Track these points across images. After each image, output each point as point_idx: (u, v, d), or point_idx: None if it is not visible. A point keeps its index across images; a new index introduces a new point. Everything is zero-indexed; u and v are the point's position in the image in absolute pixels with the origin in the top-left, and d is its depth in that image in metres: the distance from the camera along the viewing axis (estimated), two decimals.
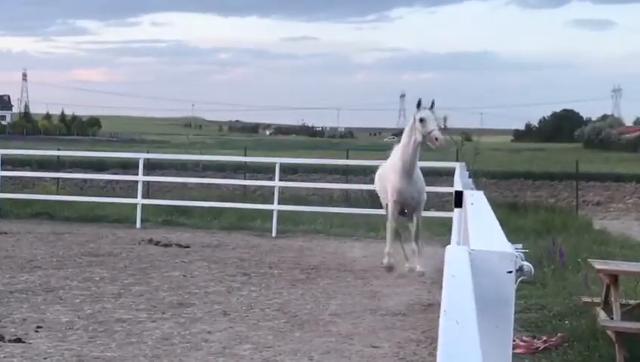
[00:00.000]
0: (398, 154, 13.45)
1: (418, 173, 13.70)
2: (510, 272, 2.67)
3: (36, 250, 15.12)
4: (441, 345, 1.58)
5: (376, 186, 14.70)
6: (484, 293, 2.52)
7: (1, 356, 8.13)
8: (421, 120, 12.93)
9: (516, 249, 2.95)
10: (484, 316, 2.45)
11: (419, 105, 13.09)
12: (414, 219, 13.70)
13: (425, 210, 17.85)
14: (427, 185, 19.24)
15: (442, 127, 28.00)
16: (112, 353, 8.29)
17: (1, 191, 20.51)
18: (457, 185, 9.90)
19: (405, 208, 13.66)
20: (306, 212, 19.61)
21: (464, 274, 2.34)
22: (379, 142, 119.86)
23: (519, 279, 2.79)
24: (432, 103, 13.13)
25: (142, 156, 21.20)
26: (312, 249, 16.17)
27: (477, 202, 5.53)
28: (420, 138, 12.97)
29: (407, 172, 13.28)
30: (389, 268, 13.31)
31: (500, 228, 3.76)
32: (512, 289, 2.71)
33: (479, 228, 3.77)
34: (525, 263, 2.87)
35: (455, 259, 2.55)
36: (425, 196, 14.08)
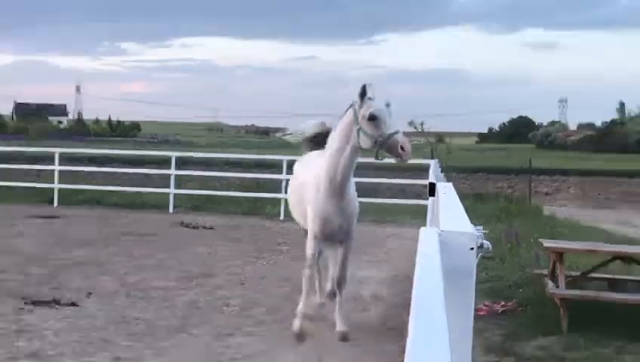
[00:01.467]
0: (324, 163, 6.94)
1: (351, 192, 7.19)
2: (472, 249, 2.69)
3: (87, 231, 15.13)
4: (413, 308, 1.60)
5: (289, 198, 8.25)
6: (451, 266, 2.54)
7: (59, 316, 8.16)
8: (372, 117, 6.50)
9: (478, 230, 2.97)
10: (451, 285, 2.48)
11: (363, 93, 6.61)
12: (341, 249, 7.42)
13: (406, 198, 17.77)
14: (405, 178, 19.12)
15: (419, 130, 27.98)
16: (149, 315, 8.32)
17: (60, 183, 20.50)
18: (431, 178, 9.91)
19: (330, 239, 7.31)
20: None
21: (434, 251, 2.36)
22: None
23: (480, 254, 2.81)
24: (388, 104, 6.66)
25: (174, 154, 21.17)
26: None
27: (447, 192, 5.54)
28: (366, 144, 6.58)
29: (338, 191, 6.93)
30: (301, 337, 7.31)
31: (464, 213, 3.78)
32: (474, 263, 2.73)
33: (448, 213, 3.78)
34: (485, 241, 2.88)
35: (427, 238, 2.57)
36: (356, 219, 7.39)
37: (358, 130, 6.62)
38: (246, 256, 12.57)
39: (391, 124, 6.48)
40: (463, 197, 6.15)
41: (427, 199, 11.37)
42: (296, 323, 7.41)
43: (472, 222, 3.32)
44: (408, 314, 1.66)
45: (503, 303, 9.06)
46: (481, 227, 3.22)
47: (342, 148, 6.82)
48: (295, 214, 7.99)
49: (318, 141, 7.64)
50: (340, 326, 7.33)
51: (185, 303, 8.91)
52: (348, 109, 6.78)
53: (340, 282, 7.50)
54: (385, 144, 6.46)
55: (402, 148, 6.38)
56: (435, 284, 1.87)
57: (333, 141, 6.94)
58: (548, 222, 17.76)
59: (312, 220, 7.16)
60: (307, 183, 7.29)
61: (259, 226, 16.83)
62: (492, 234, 12.48)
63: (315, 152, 7.64)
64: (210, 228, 16.09)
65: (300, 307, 7.49)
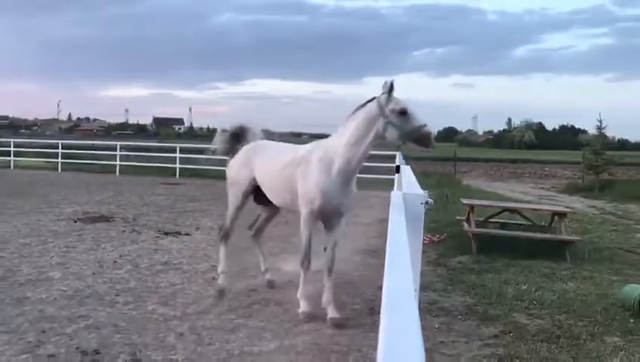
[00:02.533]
0: (342, 150, 4.51)
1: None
2: (422, 204, 2.66)
3: (196, 192, 15.16)
4: (389, 238, 1.59)
5: (266, 184, 5.21)
6: (410, 213, 2.52)
7: (179, 241, 8.21)
8: (403, 112, 4.30)
9: (425, 193, 2.95)
10: (410, 225, 2.47)
11: (391, 89, 4.37)
12: (333, 232, 4.96)
13: (380, 174, 17.59)
14: (381, 163, 18.91)
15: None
16: (233, 240, 8.24)
17: (180, 164, 20.55)
18: (397, 162, 9.81)
19: (330, 218, 4.84)
20: None
21: (400, 205, 2.34)
22: None
23: (426, 208, 2.79)
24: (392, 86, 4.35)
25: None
26: None
27: (407, 171, 5.49)
28: (393, 135, 4.34)
29: (351, 176, 4.64)
30: (307, 316, 4.79)
31: (417, 183, 3.74)
32: (423, 212, 2.71)
33: (408, 183, 3.75)
34: (430, 199, 2.86)
35: (396, 197, 2.55)
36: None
37: (387, 122, 4.38)
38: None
39: (420, 118, 4.38)
40: (415, 173, 6.11)
41: (394, 175, 11.34)
42: (303, 305, 4.85)
43: (422, 188, 3.30)
44: (385, 242, 1.65)
45: (438, 235, 9.03)
46: (427, 191, 3.20)
47: (363, 137, 4.50)
48: (274, 196, 5.16)
49: (237, 138, 5.71)
50: (331, 313, 4.71)
51: (252, 234, 8.89)
52: (368, 103, 4.55)
53: (331, 265, 4.88)
54: (415, 135, 4.31)
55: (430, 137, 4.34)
56: (401, 223, 1.86)
57: (355, 130, 4.51)
58: (466, 189, 17.62)
59: (320, 201, 4.59)
60: (308, 167, 4.65)
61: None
62: (433, 196, 12.38)
63: (271, 142, 5.42)
64: None
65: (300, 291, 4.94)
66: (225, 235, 5.82)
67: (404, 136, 4.39)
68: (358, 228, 9.83)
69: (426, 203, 2.77)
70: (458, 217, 10.00)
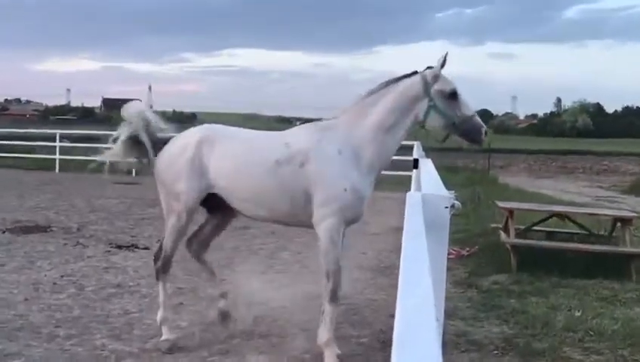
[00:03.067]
0: (370, 139, 4.28)
1: None
2: (446, 208, 2.67)
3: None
4: (403, 252, 1.59)
5: (184, 180, 4.88)
6: (431, 221, 2.52)
7: (137, 257, 8.22)
8: (453, 94, 4.14)
9: (450, 194, 2.95)
10: (431, 235, 2.47)
11: (444, 63, 4.13)
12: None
13: (395, 170, 17.71)
14: (396, 155, 19.02)
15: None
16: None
17: None
18: (415, 155, 9.83)
19: (355, 220, 4.58)
20: None
21: (418, 209, 2.34)
22: None
23: (452, 212, 2.79)
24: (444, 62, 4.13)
25: None
26: None
27: (427, 165, 5.51)
28: (438, 122, 4.23)
29: (380, 171, 4.54)
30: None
31: (440, 181, 3.75)
32: (448, 219, 2.71)
33: (428, 181, 3.76)
34: (456, 202, 2.86)
35: (413, 200, 2.55)
36: None
37: (431, 106, 4.15)
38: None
39: (471, 106, 4.18)
40: (438, 169, 6.12)
41: (411, 170, 11.35)
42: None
43: (446, 188, 3.30)
44: (399, 257, 1.65)
45: (468, 249, 9.06)
46: (453, 191, 3.19)
47: (399, 122, 4.25)
48: (255, 208, 4.64)
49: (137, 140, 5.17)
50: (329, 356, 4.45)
51: (229, 248, 8.93)
52: (406, 77, 4.22)
53: (335, 288, 4.71)
54: (464, 127, 4.18)
55: (485, 132, 4.21)
56: (419, 234, 1.86)
57: (389, 112, 4.22)
58: (502, 188, 17.68)
59: (355, 205, 4.36)
60: (325, 164, 4.25)
61: None
62: (460, 197, 12.45)
63: (230, 128, 4.92)
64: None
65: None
66: (164, 267, 5.10)
67: (450, 126, 4.12)
68: (365, 238, 9.85)
69: (452, 206, 2.77)
70: (493, 225, 10.03)
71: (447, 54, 4.11)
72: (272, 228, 10.73)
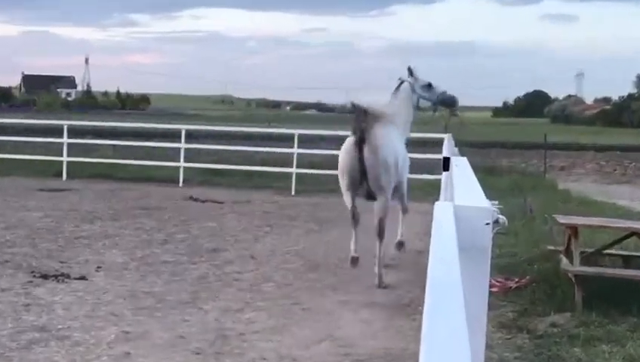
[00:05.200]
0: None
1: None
2: (487, 224, 2.66)
3: (96, 205, 15.18)
4: (429, 285, 1.58)
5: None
6: (466, 242, 2.52)
7: (68, 290, 8.21)
8: (429, 85, 10.05)
9: (493, 205, 2.94)
10: (466, 261, 2.45)
11: (410, 72, 10.02)
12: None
13: (418, 173, 17.77)
14: (420, 153, 19.23)
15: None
16: (158, 288, 8.36)
17: (68, 156, 20.55)
18: (445, 152, 9.85)
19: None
20: (320, 174, 19.55)
21: (449, 226, 2.33)
22: None
23: (495, 230, 2.79)
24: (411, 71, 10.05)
25: (184, 127, 21.27)
26: (325, 205, 16.14)
27: (461, 166, 5.51)
28: (427, 104, 10.12)
29: None
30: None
31: (479, 187, 3.75)
32: (489, 239, 2.71)
33: (462, 187, 3.76)
34: (500, 216, 2.86)
35: (442, 213, 2.55)
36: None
37: (419, 96, 9.95)
38: (256, 230, 12.58)
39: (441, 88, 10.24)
40: (476, 171, 6.13)
41: (440, 174, 11.33)
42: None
43: (486, 197, 3.30)
44: (423, 291, 1.64)
45: (516, 279, 9.04)
46: (496, 202, 3.19)
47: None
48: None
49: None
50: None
51: (194, 278, 8.94)
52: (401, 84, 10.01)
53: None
54: (441, 99, 10.11)
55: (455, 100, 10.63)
56: (451, 260, 1.85)
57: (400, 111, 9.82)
58: (562, 197, 17.70)
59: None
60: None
61: (269, 200, 16.84)
62: (506, 209, 12.42)
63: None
64: (221, 202, 16.11)
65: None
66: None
67: (433, 104, 9.33)
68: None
69: (495, 222, 2.77)
70: (551, 247, 10.02)
71: (412, 67, 9.77)
72: (252, 250, 10.76)
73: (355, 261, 9.23)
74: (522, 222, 12.63)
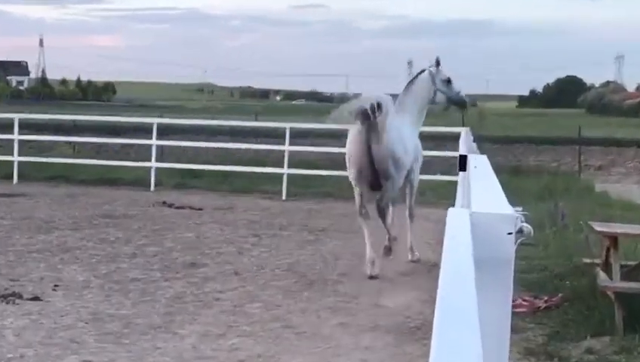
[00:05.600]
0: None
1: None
2: (510, 234, 2.66)
3: (53, 212, 15.16)
4: (439, 305, 1.58)
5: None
6: (485, 254, 2.51)
7: (20, 313, 8.19)
8: (448, 80, 11.42)
9: (516, 211, 2.94)
10: (485, 276, 2.45)
11: (438, 63, 11.41)
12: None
13: (431, 173, 17.83)
14: (432, 150, 19.30)
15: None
16: (126, 311, 8.35)
17: (20, 155, 20.53)
18: (462, 150, 9.87)
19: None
20: (315, 175, 19.56)
21: (464, 236, 2.33)
22: None
23: (519, 240, 2.79)
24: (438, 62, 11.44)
25: (155, 121, 21.20)
26: (320, 211, 16.18)
27: (480, 166, 5.52)
28: (442, 99, 11.53)
29: None
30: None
31: (501, 191, 3.75)
32: (512, 251, 2.71)
33: (481, 190, 3.76)
34: (525, 225, 2.86)
35: (456, 220, 2.55)
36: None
37: (437, 89, 11.40)
38: (241, 241, 12.58)
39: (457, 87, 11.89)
40: (499, 171, 6.14)
41: (456, 174, 11.33)
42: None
43: (510, 202, 3.30)
44: (432, 312, 1.64)
45: (546, 298, 9.06)
46: (520, 208, 3.19)
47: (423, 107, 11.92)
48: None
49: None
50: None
51: (168, 298, 8.93)
52: (421, 74, 11.64)
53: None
54: (455, 98, 11.74)
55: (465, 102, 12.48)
56: (464, 276, 1.85)
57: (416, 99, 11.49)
58: (600, 202, 17.72)
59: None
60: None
61: (256, 206, 16.84)
62: (534, 216, 12.43)
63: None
64: (199, 208, 16.10)
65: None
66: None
67: (448, 100, 11.35)
68: (386, 282, 9.83)
69: (520, 232, 2.76)
70: (586, 259, 10.04)
71: (438, 57, 11.35)
72: (236, 265, 10.75)
73: (387, 251, 10.78)
74: (553, 231, 12.65)
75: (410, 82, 11.48)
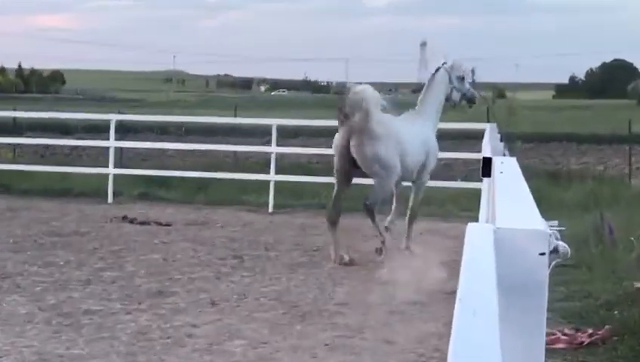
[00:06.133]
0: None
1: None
2: (543, 254, 2.68)
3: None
4: (453, 340, 1.60)
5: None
6: (512, 279, 2.53)
7: None
8: (462, 78, 14.35)
9: (551, 226, 2.96)
10: (512, 305, 2.47)
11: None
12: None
13: (450, 179, 17.96)
14: (452, 150, 19.46)
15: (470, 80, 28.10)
16: (79, 350, 8.34)
17: None
18: (486, 151, 9.89)
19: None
20: (308, 183, 19.56)
21: (486, 257, 2.35)
22: (397, 99, 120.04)
23: (554, 262, 2.80)
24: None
25: (114, 117, 21.17)
26: (315, 226, 16.15)
27: (507, 171, 5.53)
28: (457, 96, 14.31)
29: None
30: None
31: (532, 201, 3.77)
32: (545, 274, 2.72)
33: (508, 201, 3.78)
34: (561, 243, 2.87)
35: (476, 238, 2.57)
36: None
37: (453, 87, 14.12)
38: (218, 264, 12.58)
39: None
40: (532, 176, 6.18)
41: (479, 181, 11.36)
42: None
43: (543, 215, 3.33)
44: (446, 346, 1.66)
45: (590, 331, 9.07)
46: (556, 222, 3.21)
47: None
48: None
49: None
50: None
51: (131, 334, 8.92)
52: (437, 71, 14.21)
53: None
54: (468, 95, 14.51)
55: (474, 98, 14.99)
56: (487, 304, 1.87)
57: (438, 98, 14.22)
58: None
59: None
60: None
61: (237, 221, 16.84)
62: (575, 231, 12.41)
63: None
64: (167, 224, 16.11)
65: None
66: None
67: (462, 97, 14.30)
68: (395, 311, 9.84)
69: (555, 251, 2.77)
70: (638, 284, 10.05)
71: (456, 59, 14.84)
72: (212, 293, 10.74)
73: (378, 251, 12.73)
74: (598, 250, 12.65)
75: (429, 81, 14.17)
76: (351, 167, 12.84)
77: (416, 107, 14.00)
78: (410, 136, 13.18)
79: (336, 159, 13.01)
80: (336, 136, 13.01)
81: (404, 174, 13.22)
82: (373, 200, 12.78)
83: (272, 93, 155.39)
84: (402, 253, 12.99)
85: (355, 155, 12.64)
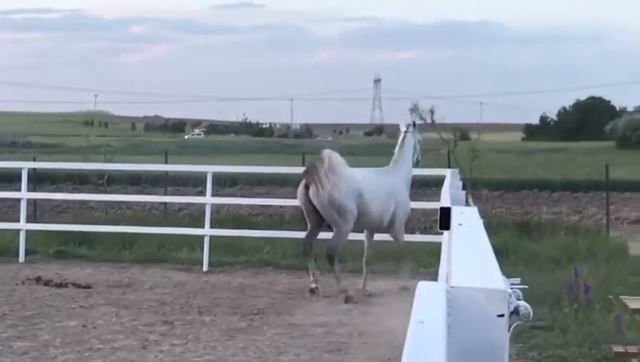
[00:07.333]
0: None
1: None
2: (502, 316, 2.70)
3: None
4: None
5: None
6: (467, 343, 2.54)
7: None
8: (420, 140, 17.62)
9: (512, 285, 2.98)
10: None
11: (414, 125, 17.67)
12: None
13: (408, 232, 18.09)
14: (412, 199, 19.77)
15: (427, 120, 28.27)
16: None
17: None
18: (445, 200, 9.93)
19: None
20: (248, 238, 19.55)
21: (436, 320, 2.36)
22: (347, 141, 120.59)
23: (514, 324, 2.82)
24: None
25: (26, 165, 21.09)
26: (256, 287, 16.16)
27: (467, 222, 5.57)
28: (420, 154, 17.44)
29: None
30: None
31: (493, 257, 3.80)
32: (505, 338, 2.74)
33: (466, 257, 3.80)
34: (522, 303, 2.89)
35: (426, 299, 2.58)
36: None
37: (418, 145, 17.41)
38: (145, 331, 12.52)
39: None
40: (499, 228, 6.23)
41: (440, 233, 11.42)
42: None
43: (511, 271, 3.36)
44: None
45: None
46: (518, 280, 3.24)
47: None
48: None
49: None
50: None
51: None
52: (406, 133, 17.13)
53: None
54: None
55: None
56: None
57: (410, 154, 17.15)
58: (636, 268, 17.89)
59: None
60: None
61: (167, 282, 16.79)
62: (547, 288, 12.47)
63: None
64: (87, 286, 16.02)
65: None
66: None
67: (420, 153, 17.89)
68: None
69: (515, 313, 2.80)
70: (617, 348, 10.12)
71: (416, 122, 19.63)
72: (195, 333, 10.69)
73: (312, 291, 15.04)
74: (574, 310, 12.73)
75: (400, 147, 16.94)
76: (316, 214, 15.34)
77: (390, 164, 16.84)
78: (375, 187, 15.74)
79: (301, 207, 15.69)
80: (299, 186, 15.57)
81: (372, 223, 15.88)
82: (332, 245, 15.29)
83: (186, 137, 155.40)
84: (355, 317, 13.31)
85: (314, 202, 15.12)
